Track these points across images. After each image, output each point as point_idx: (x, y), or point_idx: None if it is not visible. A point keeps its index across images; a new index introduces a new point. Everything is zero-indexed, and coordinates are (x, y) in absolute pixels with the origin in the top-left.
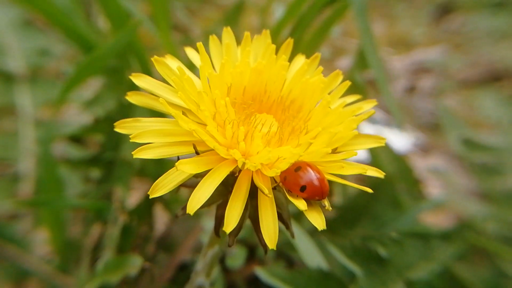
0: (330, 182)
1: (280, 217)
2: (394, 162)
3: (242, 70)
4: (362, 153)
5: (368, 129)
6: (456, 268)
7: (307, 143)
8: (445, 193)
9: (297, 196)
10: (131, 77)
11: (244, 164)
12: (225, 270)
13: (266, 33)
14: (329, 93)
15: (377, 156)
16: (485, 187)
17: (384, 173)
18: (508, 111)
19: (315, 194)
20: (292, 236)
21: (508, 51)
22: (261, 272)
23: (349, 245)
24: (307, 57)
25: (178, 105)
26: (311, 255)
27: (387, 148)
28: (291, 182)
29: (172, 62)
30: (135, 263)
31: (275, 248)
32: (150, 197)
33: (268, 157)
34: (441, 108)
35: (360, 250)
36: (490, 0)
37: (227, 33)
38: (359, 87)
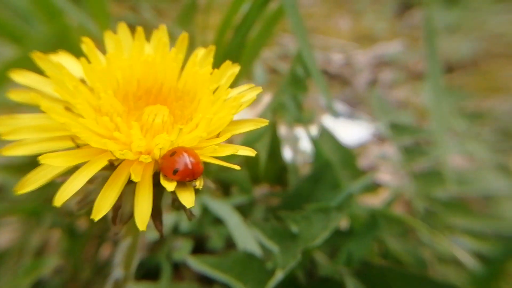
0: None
1: (174, 203)
2: (338, 151)
3: (131, 63)
4: (307, 145)
5: (329, 120)
6: (390, 242)
7: (178, 130)
8: (390, 177)
9: (171, 179)
10: (10, 75)
11: (122, 154)
12: (176, 264)
13: (163, 28)
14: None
15: (320, 146)
16: (411, 166)
17: (255, 152)
18: (444, 100)
19: (186, 176)
20: (189, 219)
21: (460, 43)
22: (190, 260)
23: (269, 226)
24: (254, 55)
25: (62, 101)
26: (243, 240)
27: (331, 138)
28: (166, 166)
29: (64, 58)
30: (49, 264)
31: (144, 229)
32: (17, 193)
33: (140, 145)
34: (373, 97)
35: (277, 229)
36: None
37: (121, 29)
38: (300, 80)
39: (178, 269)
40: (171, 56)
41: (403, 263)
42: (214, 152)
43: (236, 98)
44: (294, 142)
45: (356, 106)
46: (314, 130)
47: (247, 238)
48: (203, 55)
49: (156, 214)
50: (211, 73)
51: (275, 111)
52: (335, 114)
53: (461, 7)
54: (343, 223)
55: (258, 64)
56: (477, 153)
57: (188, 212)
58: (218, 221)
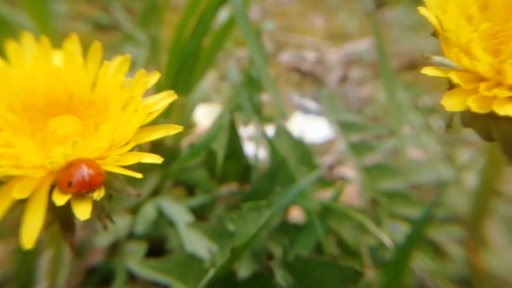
0: None
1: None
2: (294, 149)
3: (32, 74)
4: (260, 150)
5: (300, 117)
6: (344, 233)
7: (71, 142)
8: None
9: (66, 192)
10: None
11: (4, 171)
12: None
13: (74, 37)
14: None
15: (276, 145)
16: (361, 161)
17: (162, 159)
18: (405, 95)
19: (82, 188)
20: (104, 228)
21: (424, 41)
22: (132, 265)
23: (210, 227)
24: (212, 58)
25: None
26: (191, 241)
27: (288, 136)
28: (61, 179)
29: None
30: None
31: (31, 247)
32: None
33: (28, 160)
34: (322, 96)
35: (217, 229)
36: None
37: (26, 38)
38: (254, 82)
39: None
40: (79, 66)
41: (353, 251)
42: (118, 161)
43: (145, 107)
44: (259, 139)
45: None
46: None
47: (195, 240)
48: (118, 64)
49: (66, 226)
50: (123, 83)
51: (233, 111)
52: (305, 111)
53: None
54: (299, 217)
55: (232, 64)
56: (430, 145)
57: (103, 223)
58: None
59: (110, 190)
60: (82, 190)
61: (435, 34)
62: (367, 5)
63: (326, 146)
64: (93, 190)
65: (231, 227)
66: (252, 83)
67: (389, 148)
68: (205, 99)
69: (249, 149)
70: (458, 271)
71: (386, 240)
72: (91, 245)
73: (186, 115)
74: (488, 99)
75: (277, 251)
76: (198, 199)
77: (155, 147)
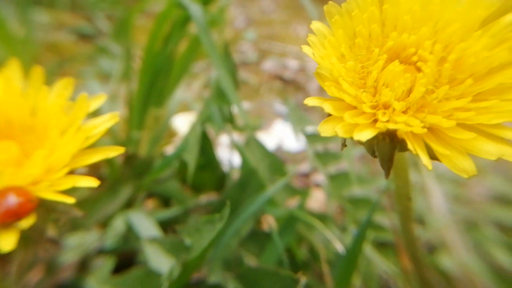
0: None
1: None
2: (265, 158)
3: None
4: (236, 158)
5: (280, 125)
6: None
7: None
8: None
9: None
10: None
11: None
12: None
13: (14, 62)
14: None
15: (246, 154)
16: (327, 169)
17: (99, 182)
18: None
19: (7, 217)
20: (45, 252)
21: None
22: (92, 282)
23: (168, 241)
24: (182, 72)
25: None
26: (154, 256)
27: (259, 146)
28: None
29: None
30: None
31: None
32: None
33: None
34: (289, 106)
35: (174, 243)
36: None
37: None
38: (224, 96)
39: None
40: (17, 92)
41: (322, 257)
42: (52, 187)
43: (84, 131)
44: (234, 149)
45: (308, 111)
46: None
47: (157, 254)
48: (60, 87)
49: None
50: (64, 107)
51: (204, 122)
52: (285, 119)
53: None
54: (269, 225)
55: (215, 73)
56: None
57: (44, 247)
58: None
59: (53, 212)
60: (8, 220)
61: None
62: None
63: (304, 154)
64: (20, 219)
65: (187, 241)
66: (222, 95)
67: (355, 156)
68: (187, 108)
69: (226, 156)
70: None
71: (338, 246)
72: (60, 262)
73: (161, 126)
74: (352, 126)
75: (248, 259)
76: (171, 211)
77: (128, 159)
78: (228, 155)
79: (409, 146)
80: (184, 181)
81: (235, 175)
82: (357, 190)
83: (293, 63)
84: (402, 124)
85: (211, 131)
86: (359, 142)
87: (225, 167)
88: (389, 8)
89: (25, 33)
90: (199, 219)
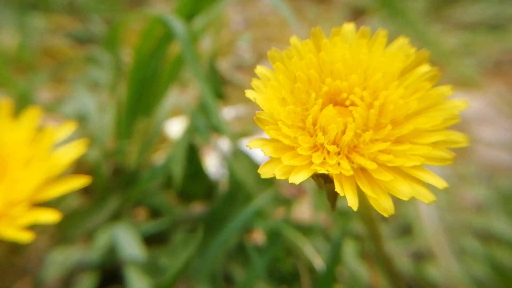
0: None
1: None
2: (253, 170)
3: None
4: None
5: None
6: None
7: None
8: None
9: None
10: None
11: None
12: None
13: None
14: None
15: (233, 167)
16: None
17: (60, 216)
18: None
19: None
20: None
21: None
22: None
23: (146, 263)
24: (170, 81)
25: None
26: (136, 281)
27: (246, 158)
28: None
29: None
30: None
31: None
32: None
33: None
34: None
35: (152, 265)
36: (391, 4)
37: None
38: (209, 107)
39: None
40: None
41: (302, 271)
42: (13, 221)
43: (49, 162)
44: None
45: None
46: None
47: (138, 276)
48: (27, 118)
49: None
50: (29, 138)
51: (191, 134)
52: None
53: (405, 18)
54: (260, 237)
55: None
56: None
57: None
58: None
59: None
60: None
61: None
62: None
63: None
64: None
65: (164, 261)
66: (206, 109)
67: None
68: (181, 113)
69: (216, 164)
70: (407, 284)
71: (317, 261)
72: (44, 278)
73: (149, 136)
74: (289, 168)
75: (236, 272)
76: (159, 223)
77: (116, 169)
78: (218, 163)
79: (337, 188)
80: (173, 191)
81: (224, 185)
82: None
83: None
84: (331, 168)
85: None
86: (313, 178)
87: (215, 175)
88: (324, 55)
89: (21, 38)
90: (175, 239)
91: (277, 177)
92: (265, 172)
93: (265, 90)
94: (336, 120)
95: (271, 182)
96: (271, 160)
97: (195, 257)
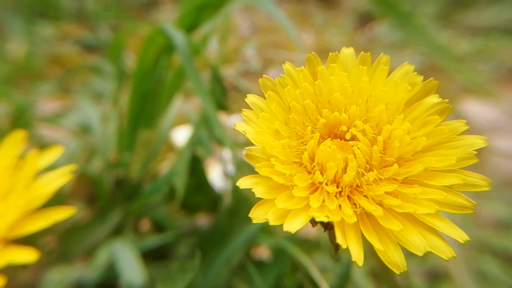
0: None
1: None
2: None
3: None
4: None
5: None
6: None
7: None
8: None
9: None
10: None
11: None
12: None
13: None
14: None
15: (236, 179)
16: None
17: (37, 255)
18: None
19: None
20: None
21: (407, 59)
22: None
23: (143, 285)
24: (174, 92)
25: None
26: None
27: (251, 171)
28: None
29: None
30: None
31: None
32: None
33: None
34: None
35: None
36: (400, 10)
37: None
38: (211, 119)
39: None
40: None
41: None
42: None
43: (29, 193)
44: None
45: None
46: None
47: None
48: (9, 145)
49: None
50: (11, 166)
51: (194, 146)
52: None
53: (413, 24)
54: (264, 253)
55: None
56: None
57: None
58: None
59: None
60: None
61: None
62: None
63: None
64: None
65: (160, 287)
66: (208, 121)
67: None
68: (186, 121)
69: (221, 175)
70: None
71: (323, 284)
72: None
73: (152, 147)
74: (285, 211)
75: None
76: (161, 237)
77: (118, 182)
78: (222, 175)
79: (338, 238)
80: (176, 203)
81: (228, 198)
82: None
83: None
84: (331, 213)
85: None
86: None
87: (219, 187)
88: (321, 84)
89: (28, 47)
90: (172, 265)
91: (271, 223)
92: (257, 217)
93: (256, 121)
94: (335, 157)
95: None
96: (264, 202)
97: (199, 273)
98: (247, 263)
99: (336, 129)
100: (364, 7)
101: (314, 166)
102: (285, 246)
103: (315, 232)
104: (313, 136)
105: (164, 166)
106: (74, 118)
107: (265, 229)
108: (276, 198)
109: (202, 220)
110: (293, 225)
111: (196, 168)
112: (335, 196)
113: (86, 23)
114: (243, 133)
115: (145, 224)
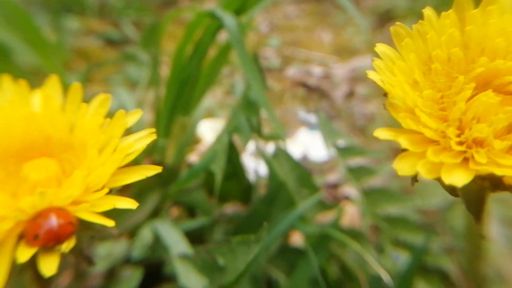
0: None
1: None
2: (294, 170)
3: (9, 119)
4: (262, 168)
5: (305, 133)
6: (346, 258)
7: (39, 194)
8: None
9: (32, 245)
10: None
11: None
12: None
13: (53, 79)
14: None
15: (274, 167)
16: (360, 184)
17: (137, 204)
18: None
19: (49, 240)
20: (82, 273)
21: None
22: None
23: (200, 259)
24: (209, 82)
25: None
26: (185, 272)
27: (287, 158)
28: (28, 231)
29: None
30: None
31: None
32: None
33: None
34: (320, 119)
35: (207, 262)
36: (419, 10)
37: (5, 80)
38: (252, 104)
39: None
40: (56, 109)
41: (356, 278)
42: (92, 207)
43: (122, 149)
44: (260, 159)
45: (334, 119)
46: (271, 148)
47: (188, 272)
48: (97, 104)
49: (42, 280)
50: (101, 125)
51: (231, 133)
52: (310, 127)
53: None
54: (299, 241)
55: (238, 79)
56: None
57: (82, 267)
58: None
59: (90, 231)
60: (50, 243)
61: (385, 95)
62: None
63: (331, 163)
64: (61, 242)
65: (221, 261)
66: (249, 105)
67: (390, 171)
68: (210, 114)
69: (252, 165)
70: None
71: (383, 273)
72: (87, 271)
73: (187, 134)
74: (437, 165)
75: (277, 276)
76: (197, 222)
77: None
78: (253, 164)
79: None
80: (210, 191)
81: (262, 186)
82: (392, 209)
83: (317, 70)
84: (504, 169)
85: (237, 139)
86: (450, 186)
87: (251, 177)
88: (473, 30)
89: (57, 39)
90: (233, 238)
91: (423, 175)
92: (404, 169)
93: (388, 73)
94: (503, 109)
95: (311, 184)
96: (409, 154)
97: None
98: (286, 249)
99: (493, 82)
100: (383, 7)
101: (467, 121)
102: (331, 232)
103: (352, 223)
104: (465, 87)
105: (192, 157)
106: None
107: (302, 216)
108: (428, 150)
109: (231, 210)
110: (457, 178)
111: (231, 155)
112: (504, 153)
113: (108, 18)
114: (379, 83)
115: (174, 211)
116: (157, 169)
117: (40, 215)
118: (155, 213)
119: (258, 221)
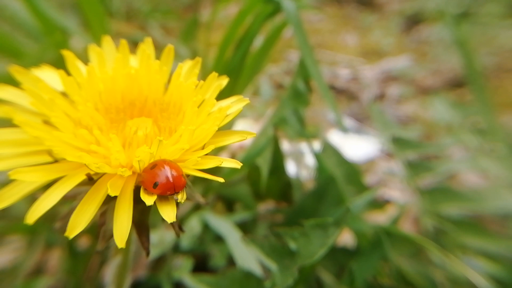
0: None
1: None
2: (341, 166)
3: (113, 76)
4: (311, 160)
5: (336, 135)
6: (399, 261)
7: (157, 142)
8: (399, 193)
9: (152, 193)
10: None
11: (98, 167)
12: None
13: (148, 41)
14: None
15: (324, 161)
16: (417, 182)
17: (241, 164)
18: (455, 114)
19: (167, 189)
20: (177, 235)
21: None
22: (188, 279)
23: (268, 244)
24: (256, 69)
25: (41, 114)
26: (243, 258)
27: (335, 153)
28: (147, 179)
29: (46, 72)
30: (40, 285)
31: (123, 246)
32: None
33: (118, 157)
34: (374, 111)
35: (276, 247)
36: (452, 12)
37: (106, 42)
38: (301, 94)
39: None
40: (154, 68)
41: (414, 285)
42: (197, 164)
43: (221, 110)
44: (298, 157)
45: (363, 121)
46: (318, 144)
47: (247, 256)
48: (189, 67)
49: (142, 231)
50: (196, 85)
51: (277, 125)
52: (344, 129)
53: (470, 22)
54: (349, 241)
55: (264, 80)
56: (492, 170)
57: (176, 228)
58: (219, 239)
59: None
60: (167, 192)
61: None
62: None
63: (367, 165)
64: (176, 192)
65: (292, 245)
66: (297, 96)
67: (447, 170)
68: (239, 115)
69: (290, 166)
70: None
71: (481, 282)
72: (136, 259)
73: (228, 127)
74: None
75: (326, 278)
76: (240, 215)
77: None
78: (290, 162)
79: None
80: (253, 186)
81: (303, 184)
82: (454, 209)
83: (345, 72)
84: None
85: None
86: None
87: (292, 173)
88: None
89: (87, 42)
90: (305, 223)
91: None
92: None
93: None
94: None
95: (359, 181)
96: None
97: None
98: (334, 250)
99: None
100: (411, 10)
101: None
102: (393, 231)
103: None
104: None
105: (223, 155)
106: None
107: (354, 215)
108: None
109: (269, 206)
110: None
111: (274, 150)
112: None
113: (135, 21)
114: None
115: (217, 207)
116: (253, 134)
117: (156, 166)
118: (198, 206)
119: (306, 216)
